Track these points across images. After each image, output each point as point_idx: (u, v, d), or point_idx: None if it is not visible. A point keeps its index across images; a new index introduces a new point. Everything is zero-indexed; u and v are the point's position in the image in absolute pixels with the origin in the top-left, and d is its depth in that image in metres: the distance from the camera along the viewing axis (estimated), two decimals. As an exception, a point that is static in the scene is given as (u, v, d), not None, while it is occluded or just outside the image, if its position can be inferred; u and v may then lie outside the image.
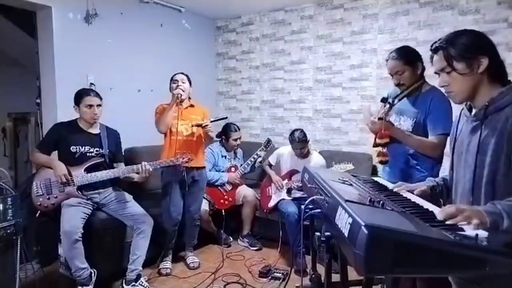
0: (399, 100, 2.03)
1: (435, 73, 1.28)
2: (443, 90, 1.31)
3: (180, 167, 2.77)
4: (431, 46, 1.27)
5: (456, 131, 1.35)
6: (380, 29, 3.62)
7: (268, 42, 4.38)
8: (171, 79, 2.92)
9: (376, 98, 3.68)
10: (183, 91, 2.81)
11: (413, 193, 1.41)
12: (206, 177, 3.15)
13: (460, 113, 1.37)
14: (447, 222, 0.99)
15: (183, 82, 2.86)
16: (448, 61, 1.20)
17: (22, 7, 3.07)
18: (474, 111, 1.25)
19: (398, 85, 2.04)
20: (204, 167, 3.09)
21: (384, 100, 1.99)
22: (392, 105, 1.94)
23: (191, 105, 2.98)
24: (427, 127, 1.93)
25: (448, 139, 1.50)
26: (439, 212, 1.07)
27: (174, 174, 2.87)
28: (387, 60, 2.06)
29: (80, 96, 2.55)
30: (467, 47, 1.18)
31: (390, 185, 1.55)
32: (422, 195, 1.41)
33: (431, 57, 1.29)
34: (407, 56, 1.99)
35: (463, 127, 1.30)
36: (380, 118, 1.93)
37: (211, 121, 2.88)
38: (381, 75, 3.61)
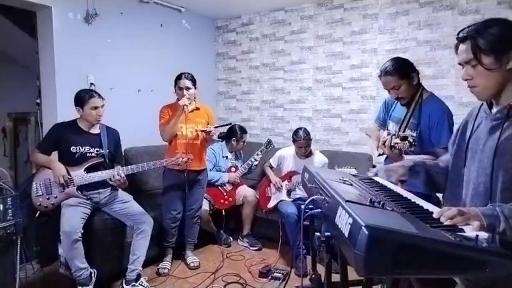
0: (408, 121, 2.00)
1: (459, 64, 1.17)
2: (465, 83, 1.18)
3: (185, 171, 2.78)
4: (458, 33, 1.15)
5: (473, 126, 1.22)
6: (380, 29, 3.62)
7: (268, 42, 4.38)
8: (176, 81, 2.88)
9: (376, 98, 3.68)
10: (188, 99, 2.77)
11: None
12: (207, 177, 3.17)
13: (480, 108, 1.24)
14: (445, 223, 0.97)
15: (188, 89, 2.82)
16: (475, 53, 1.09)
17: (22, 7, 3.06)
18: (495, 108, 1.14)
19: (397, 98, 2.01)
20: (205, 168, 3.11)
21: (404, 138, 1.85)
22: (412, 144, 1.81)
23: (197, 108, 2.96)
24: (431, 140, 1.93)
25: (455, 129, 1.39)
26: (437, 213, 1.03)
27: (177, 176, 2.87)
28: (379, 76, 2.01)
29: (84, 98, 2.53)
30: (498, 39, 1.06)
31: (390, 185, 1.55)
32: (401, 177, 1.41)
33: (456, 46, 1.17)
34: (401, 70, 1.93)
35: (482, 123, 1.19)
36: (393, 147, 1.87)
37: (215, 127, 2.90)
38: (381, 75, 3.62)
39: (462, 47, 1.13)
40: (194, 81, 2.89)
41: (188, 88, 2.82)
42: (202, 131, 2.85)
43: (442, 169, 1.43)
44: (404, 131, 1.97)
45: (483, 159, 1.13)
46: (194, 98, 2.95)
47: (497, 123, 1.11)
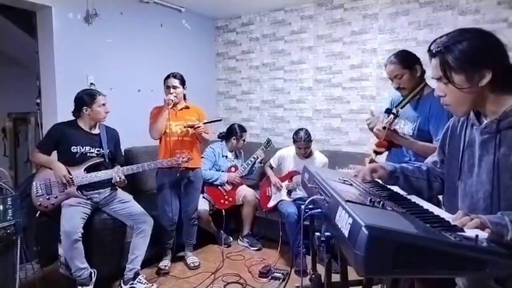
0: (402, 107, 2.04)
1: (432, 78, 1.14)
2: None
3: (179, 168, 2.78)
4: (429, 46, 1.10)
5: (465, 136, 1.17)
6: (380, 29, 3.62)
7: (268, 42, 4.37)
8: (165, 81, 2.92)
9: (376, 98, 3.68)
10: (175, 97, 2.81)
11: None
12: (201, 177, 3.15)
13: (468, 117, 1.17)
14: (466, 229, 0.93)
15: (175, 87, 2.85)
16: (444, 71, 1.03)
17: (22, 7, 3.06)
18: (484, 121, 1.08)
19: (398, 88, 2.06)
20: (199, 168, 3.10)
21: (388, 111, 1.98)
22: (396, 115, 1.93)
23: (186, 107, 2.98)
24: (429, 132, 1.94)
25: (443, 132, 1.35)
26: (453, 221, 0.98)
27: (168, 175, 2.88)
28: (385, 65, 2.08)
29: (90, 98, 2.56)
30: (468, 56, 0.99)
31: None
32: (380, 178, 1.42)
33: (430, 59, 1.13)
34: (405, 60, 2.01)
35: (474, 135, 1.13)
36: (384, 127, 1.95)
37: (204, 123, 2.89)
38: (381, 75, 3.61)
39: (433, 62, 1.08)
40: (182, 81, 2.91)
41: (175, 87, 2.85)
42: (190, 126, 2.86)
43: (422, 173, 1.41)
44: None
45: (481, 175, 1.09)
46: (185, 98, 2.98)
47: (488, 137, 1.06)
